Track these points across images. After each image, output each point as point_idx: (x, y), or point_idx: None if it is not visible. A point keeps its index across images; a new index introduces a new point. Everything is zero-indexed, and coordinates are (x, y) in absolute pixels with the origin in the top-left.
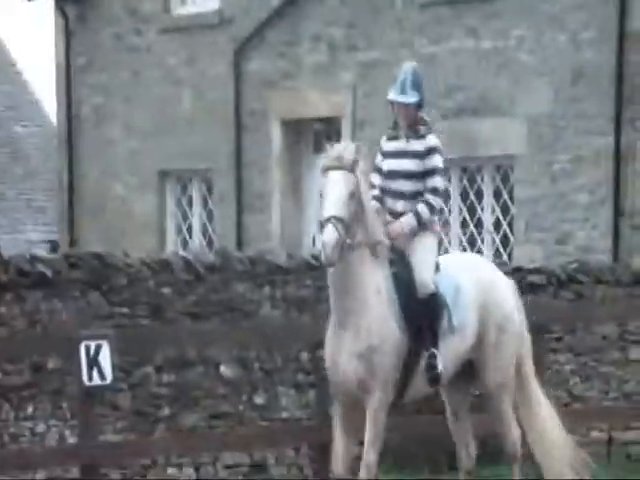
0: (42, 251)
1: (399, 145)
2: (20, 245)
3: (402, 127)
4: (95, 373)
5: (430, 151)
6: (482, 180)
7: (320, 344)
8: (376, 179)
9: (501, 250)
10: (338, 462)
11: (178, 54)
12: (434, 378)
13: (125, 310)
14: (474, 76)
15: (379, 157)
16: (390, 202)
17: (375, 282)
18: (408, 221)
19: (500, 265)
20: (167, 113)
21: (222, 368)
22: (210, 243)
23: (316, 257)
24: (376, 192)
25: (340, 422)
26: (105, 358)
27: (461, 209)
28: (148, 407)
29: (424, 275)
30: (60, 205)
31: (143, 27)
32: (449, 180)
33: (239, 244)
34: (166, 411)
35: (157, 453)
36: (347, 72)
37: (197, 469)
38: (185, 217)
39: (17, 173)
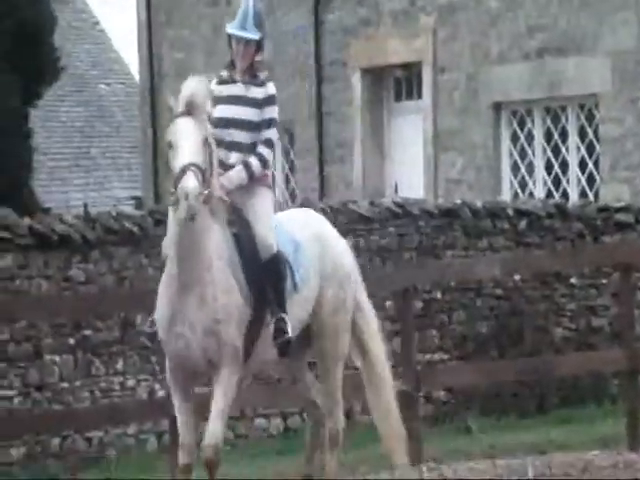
0: (128, 208)
1: (235, 90)
2: (106, 202)
3: (239, 70)
4: None
5: (269, 100)
6: (566, 120)
7: (406, 292)
8: None
9: (587, 190)
10: (185, 452)
11: None
12: (284, 345)
13: None
14: (556, 14)
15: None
16: (222, 154)
17: (218, 245)
18: (238, 174)
19: (586, 205)
20: None
21: None
22: (292, 194)
23: (399, 205)
24: None
25: (181, 397)
26: None
27: (545, 149)
28: None
29: (265, 235)
30: (144, 161)
31: None
32: (532, 122)
33: (321, 195)
34: None
35: (244, 404)
36: (427, 16)
37: (285, 419)
38: None
39: (102, 131)
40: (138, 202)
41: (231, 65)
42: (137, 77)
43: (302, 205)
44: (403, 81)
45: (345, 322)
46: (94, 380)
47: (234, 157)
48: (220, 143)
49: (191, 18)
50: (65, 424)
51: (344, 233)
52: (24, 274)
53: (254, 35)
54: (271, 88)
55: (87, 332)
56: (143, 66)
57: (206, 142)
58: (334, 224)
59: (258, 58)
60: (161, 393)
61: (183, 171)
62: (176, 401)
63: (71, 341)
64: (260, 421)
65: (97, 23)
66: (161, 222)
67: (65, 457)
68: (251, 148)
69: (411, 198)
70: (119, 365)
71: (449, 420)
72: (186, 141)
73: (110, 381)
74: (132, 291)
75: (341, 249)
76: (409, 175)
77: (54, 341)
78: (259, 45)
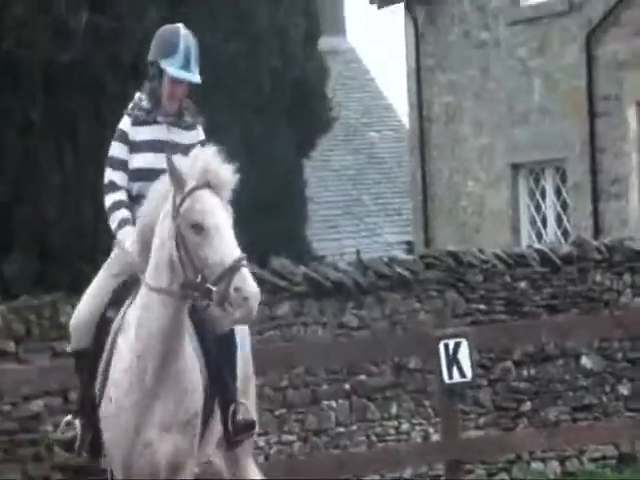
0: (399, 253)
1: (158, 134)
2: (378, 248)
3: (165, 110)
4: (455, 370)
5: (202, 146)
6: None
7: None
8: (119, 177)
9: None
10: None
11: (528, 45)
12: (243, 439)
13: (482, 306)
14: None
15: (120, 147)
16: None
17: (186, 326)
18: None
19: None
20: (518, 105)
21: (583, 359)
22: (565, 234)
23: None
24: (121, 197)
25: None
26: (464, 355)
27: None
28: (509, 402)
29: None
30: (414, 206)
31: (491, 22)
32: None
33: (595, 233)
34: (528, 405)
35: (521, 448)
36: None
37: (562, 463)
38: (539, 209)
39: (373, 178)
40: (409, 247)
41: (153, 102)
42: (406, 123)
43: (575, 244)
44: None
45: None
46: (369, 424)
47: None
48: (142, 198)
49: (459, 61)
50: (343, 468)
51: (620, 272)
52: (300, 321)
53: (197, 78)
54: (201, 132)
55: (362, 377)
56: (413, 111)
57: None
58: (610, 263)
59: (186, 99)
60: (435, 437)
61: (236, 267)
62: None
63: (346, 386)
64: (537, 464)
65: (367, 72)
66: (432, 265)
67: None
68: None
69: None
70: (393, 409)
71: None
72: (224, 224)
73: (385, 425)
74: (405, 335)
75: (245, 330)
76: None
77: (330, 386)
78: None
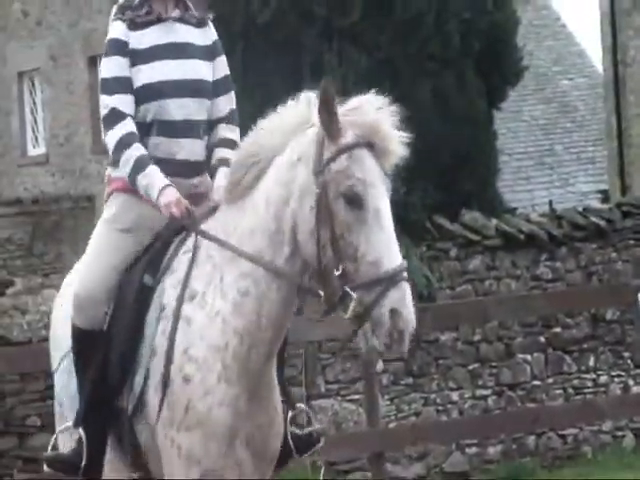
0: (594, 202)
1: (168, 34)
2: (571, 198)
3: None
4: None
5: (218, 47)
6: None
7: None
8: (122, 101)
9: None
10: None
11: None
12: (309, 454)
13: None
14: None
15: (117, 63)
16: (165, 143)
17: None
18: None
19: None
20: None
21: None
22: None
23: None
24: (129, 129)
25: None
26: None
27: None
28: None
29: None
30: (609, 153)
31: None
32: None
33: None
34: None
35: None
36: None
37: None
38: None
39: (565, 126)
40: (604, 196)
41: None
42: (600, 68)
43: None
44: None
45: None
46: (566, 377)
47: (189, 148)
48: (158, 124)
49: None
50: (539, 422)
51: None
52: (493, 275)
53: None
54: (213, 30)
55: (557, 329)
56: (606, 57)
57: None
58: None
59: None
60: (635, 389)
61: (397, 279)
62: None
63: (541, 339)
64: None
65: (558, 19)
66: (630, 214)
67: (541, 454)
68: (208, 127)
69: None
70: (590, 362)
71: None
72: (387, 210)
73: (582, 378)
74: (602, 286)
75: None
76: None
77: (525, 340)
78: None
